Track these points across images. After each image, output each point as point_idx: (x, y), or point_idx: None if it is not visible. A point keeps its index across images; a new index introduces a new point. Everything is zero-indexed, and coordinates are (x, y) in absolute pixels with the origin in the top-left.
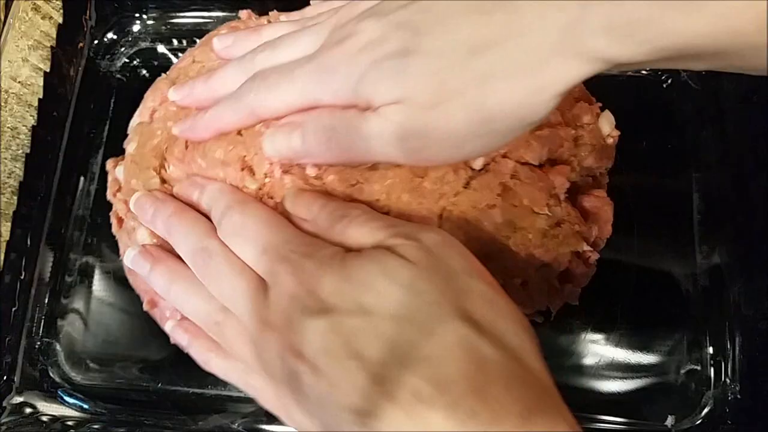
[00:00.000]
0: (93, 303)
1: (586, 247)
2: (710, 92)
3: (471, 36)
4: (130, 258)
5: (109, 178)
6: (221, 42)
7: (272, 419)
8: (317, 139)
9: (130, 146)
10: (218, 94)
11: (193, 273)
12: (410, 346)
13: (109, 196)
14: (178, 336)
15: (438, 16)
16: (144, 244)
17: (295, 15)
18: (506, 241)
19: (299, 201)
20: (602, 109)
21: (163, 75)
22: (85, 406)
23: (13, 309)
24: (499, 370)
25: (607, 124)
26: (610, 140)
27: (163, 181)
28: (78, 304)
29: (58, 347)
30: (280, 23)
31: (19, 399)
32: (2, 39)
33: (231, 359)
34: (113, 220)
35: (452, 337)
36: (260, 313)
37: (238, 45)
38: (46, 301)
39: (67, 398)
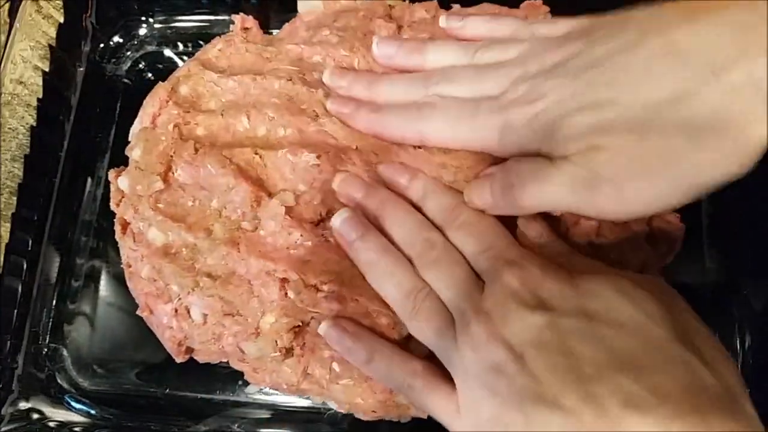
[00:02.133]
0: (100, 308)
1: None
2: None
3: (672, 89)
4: (340, 220)
5: (112, 188)
6: (382, 49)
7: (275, 422)
8: (503, 194)
9: (134, 153)
10: (378, 101)
11: (399, 252)
12: (630, 355)
13: (112, 206)
14: (337, 335)
15: (632, 74)
16: (354, 212)
17: (456, 24)
18: None
19: (529, 226)
20: None
21: (161, 82)
22: (92, 412)
23: (15, 312)
24: (719, 400)
25: None
26: None
27: (166, 181)
28: (85, 309)
29: (65, 352)
30: (446, 45)
31: (26, 405)
32: (9, 42)
33: (398, 358)
34: (117, 226)
35: (676, 356)
36: (473, 299)
37: (400, 57)
38: (53, 305)
39: (74, 404)
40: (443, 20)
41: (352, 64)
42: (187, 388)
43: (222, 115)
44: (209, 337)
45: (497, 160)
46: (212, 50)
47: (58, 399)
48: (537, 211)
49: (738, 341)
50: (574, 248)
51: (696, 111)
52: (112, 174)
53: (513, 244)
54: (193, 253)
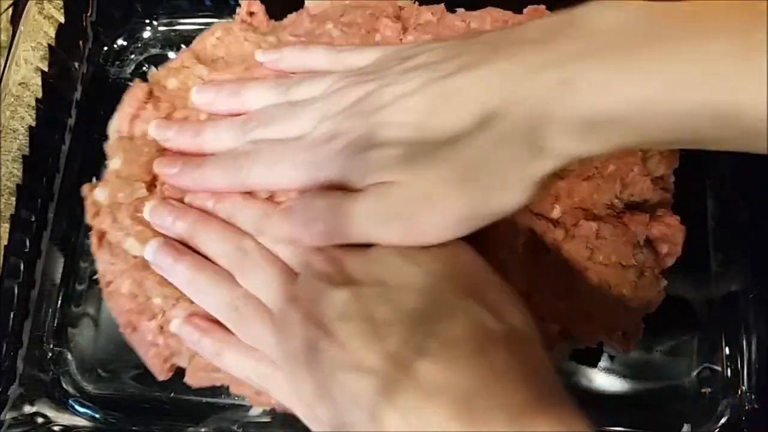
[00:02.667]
0: (104, 311)
1: (664, 283)
2: None
3: (450, 131)
4: (152, 251)
5: (87, 202)
6: (200, 96)
7: (276, 426)
8: (303, 226)
9: (113, 162)
10: (205, 149)
11: (216, 266)
12: (417, 311)
13: (87, 219)
14: (188, 330)
15: (415, 115)
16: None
17: (271, 59)
18: (604, 300)
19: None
20: None
21: (138, 80)
22: (97, 416)
23: (13, 314)
24: (503, 343)
25: None
26: None
27: (150, 191)
28: (89, 312)
29: (69, 356)
30: (262, 85)
31: (30, 408)
32: (14, 44)
33: (244, 349)
34: (93, 239)
35: (460, 306)
36: (288, 291)
37: (219, 103)
38: (57, 309)
39: (78, 408)
40: (260, 55)
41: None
42: (191, 391)
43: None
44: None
45: None
46: (210, 38)
47: (62, 403)
48: (336, 241)
49: (744, 343)
50: (568, 250)
51: (473, 150)
52: (85, 189)
53: None
54: None
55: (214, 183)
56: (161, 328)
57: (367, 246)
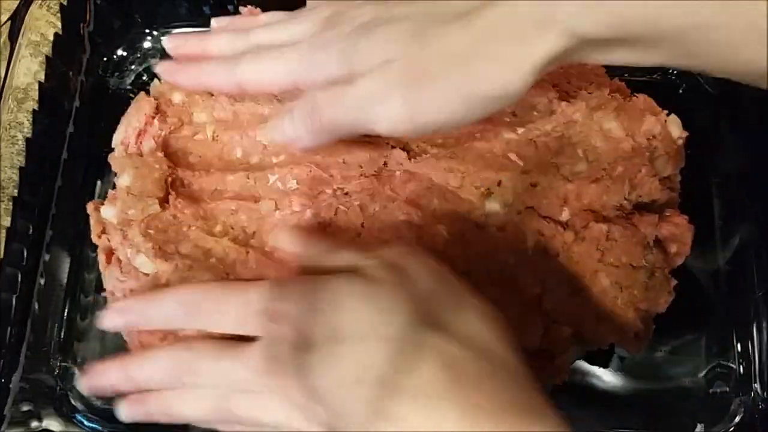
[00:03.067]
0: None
1: (674, 283)
2: (727, 97)
3: (456, 4)
4: (123, 415)
5: (92, 220)
6: (171, 42)
7: None
8: (303, 121)
9: (123, 179)
10: (208, 53)
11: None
12: (375, 367)
13: (94, 237)
14: (134, 409)
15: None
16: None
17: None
18: (615, 301)
19: (280, 235)
20: (667, 114)
21: (143, 93)
22: (105, 431)
23: (10, 329)
24: (470, 369)
25: (675, 128)
26: (680, 142)
27: (163, 207)
28: (95, 326)
29: (76, 371)
30: (274, 13)
31: (38, 425)
32: (13, 55)
33: (199, 390)
34: (101, 257)
35: (427, 347)
36: (254, 369)
37: (234, 24)
38: (63, 322)
39: (86, 422)
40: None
41: None
42: None
43: (214, 139)
44: None
45: (504, 165)
46: None
47: (69, 418)
48: (339, 133)
49: (756, 341)
50: (579, 252)
51: (478, 23)
52: (90, 206)
53: (254, 290)
54: (187, 280)
55: (211, 82)
56: None
57: (315, 287)
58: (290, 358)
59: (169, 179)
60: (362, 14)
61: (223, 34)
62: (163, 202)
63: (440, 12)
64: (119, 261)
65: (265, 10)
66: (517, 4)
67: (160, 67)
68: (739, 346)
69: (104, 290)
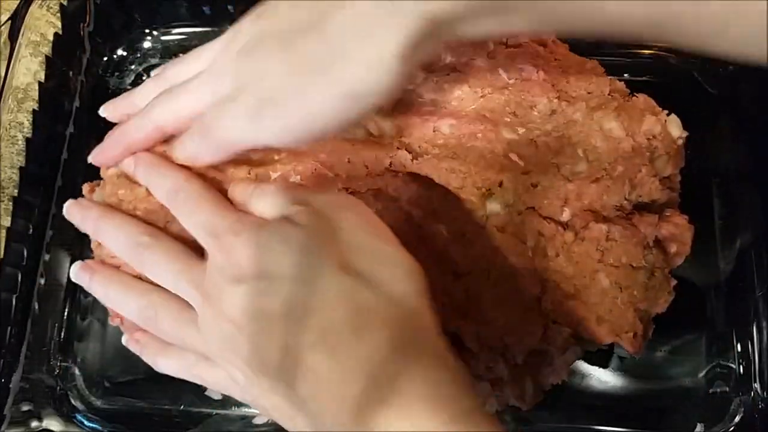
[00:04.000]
0: (110, 325)
1: (673, 283)
2: (727, 97)
3: (308, 14)
4: (73, 274)
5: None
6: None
7: None
8: (200, 139)
9: (110, 170)
10: (134, 108)
11: (128, 275)
12: (302, 302)
13: None
14: (133, 348)
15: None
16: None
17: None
18: (615, 301)
19: (236, 187)
20: (667, 115)
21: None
22: (105, 430)
23: (10, 328)
24: (377, 312)
25: (675, 128)
26: (680, 142)
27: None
28: (95, 325)
29: (76, 371)
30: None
31: (38, 424)
32: (13, 55)
33: (170, 349)
34: (94, 241)
35: (335, 288)
36: (195, 283)
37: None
38: (63, 322)
39: (86, 422)
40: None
41: None
42: (201, 403)
43: None
44: None
45: (505, 166)
46: None
47: (69, 417)
48: (236, 149)
49: (756, 341)
50: (579, 253)
51: (328, 29)
52: (86, 188)
53: (224, 213)
54: None
55: (131, 136)
56: None
57: (258, 228)
58: (220, 291)
59: None
60: (244, 33)
61: (145, 86)
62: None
63: (297, 23)
64: None
65: (243, 13)
66: (357, 3)
67: (90, 158)
68: (739, 346)
69: None
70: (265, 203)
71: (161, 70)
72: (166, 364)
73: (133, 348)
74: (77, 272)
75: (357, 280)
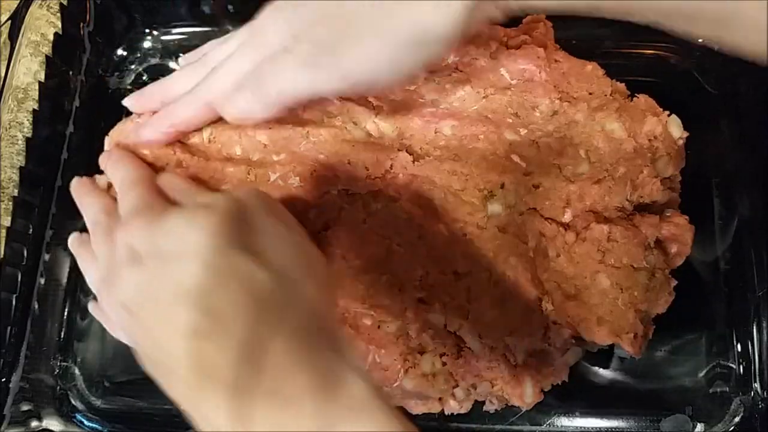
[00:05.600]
0: None
1: (674, 284)
2: (728, 96)
3: None
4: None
5: None
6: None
7: None
8: (253, 94)
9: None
10: (172, 93)
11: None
12: (194, 282)
13: None
14: (96, 314)
15: None
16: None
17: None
18: (616, 302)
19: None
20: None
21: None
22: (105, 430)
23: (10, 328)
24: (269, 293)
25: (676, 128)
26: (680, 142)
27: None
28: (95, 325)
29: (76, 371)
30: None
31: (38, 424)
32: (13, 55)
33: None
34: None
35: (229, 267)
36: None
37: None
38: (63, 322)
39: (86, 422)
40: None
41: None
42: None
43: (211, 141)
44: None
45: (507, 167)
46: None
47: (69, 417)
48: (290, 101)
49: (756, 341)
50: (580, 254)
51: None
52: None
53: (142, 192)
54: None
55: (179, 115)
56: None
57: (163, 210)
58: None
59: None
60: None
61: (181, 72)
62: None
63: None
64: None
65: (242, 13)
66: None
67: (133, 133)
68: (739, 345)
69: None
70: (178, 192)
71: (194, 56)
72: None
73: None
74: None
75: (255, 261)
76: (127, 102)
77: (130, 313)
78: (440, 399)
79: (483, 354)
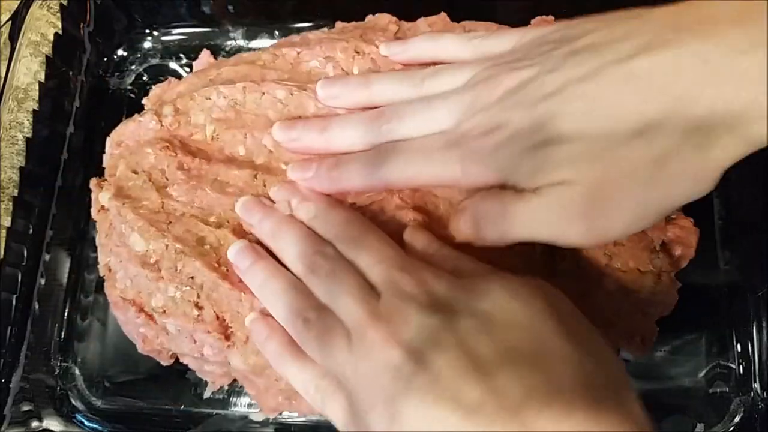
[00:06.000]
0: (111, 325)
1: (678, 286)
2: None
3: (635, 119)
4: (234, 251)
5: (93, 196)
6: (326, 90)
7: None
8: (476, 225)
9: (118, 170)
10: (334, 149)
11: (291, 274)
12: (525, 349)
13: (93, 214)
14: (258, 328)
15: (592, 104)
16: (248, 243)
17: (395, 51)
18: (622, 306)
19: (416, 236)
20: None
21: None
22: (105, 431)
23: (10, 329)
24: (608, 396)
25: None
26: None
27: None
28: (95, 325)
29: (77, 371)
30: (391, 77)
31: (39, 425)
32: (14, 55)
33: (307, 362)
34: (99, 233)
35: (567, 352)
36: (368, 307)
37: (345, 96)
38: (63, 322)
39: (86, 422)
40: (384, 48)
41: (350, 68)
42: (202, 403)
43: (213, 138)
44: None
45: None
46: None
47: (69, 418)
48: (508, 241)
49: (756, 341)
50: (586, 257)
51: (661, 141)
52: (93, 182)
53: (404, 255)
54: (174, 262)
55: (353, 183)
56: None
57: (462, 277)
58: (404, 308)
59: (166, 166)
60: (511, 121)
61: (345, 124)
62: (160, 189)
63: (612, 128)
64: (114, 235)
65: (243, 14)
66: (699, 119)
67: (292, 172)
68: (739, 346)
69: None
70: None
71: (355, 88)
72: (294, 368)
73: (258, 331)
74: (239, 252)
75: (584, 353)
76: (278, 136)
77: (414, 358)
78: None
79: None
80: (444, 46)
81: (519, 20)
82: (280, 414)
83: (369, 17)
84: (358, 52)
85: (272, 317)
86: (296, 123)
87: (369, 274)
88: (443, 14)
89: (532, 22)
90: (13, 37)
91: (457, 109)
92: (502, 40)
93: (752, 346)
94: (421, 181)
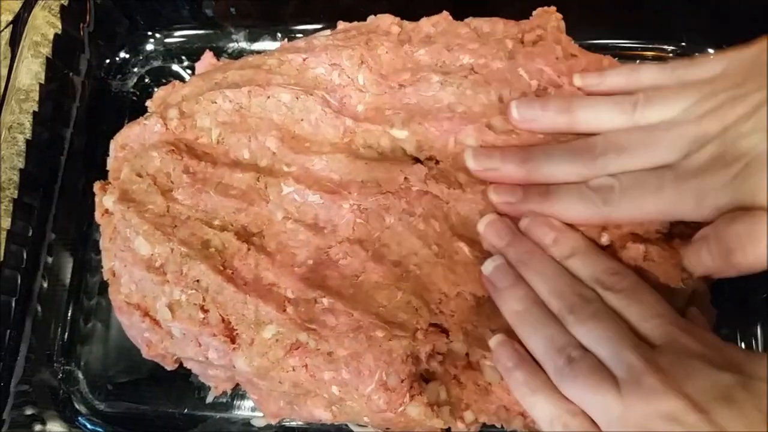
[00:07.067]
0: (114, 327)
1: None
2: None
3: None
4: (492, 267)
5: (97, 199)
6: (522, 112)
7: None
8: (720, 251)
9: (123, 174)
10: (539, 179)
11: (546, 307)
12: None
13: (97, 217)
14: (506, 353)
15: None
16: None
17: (592, 83)
18: None
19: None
20: None
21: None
22: None
23: (9, 332)
24: None
25: None
26: None
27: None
28: (98, 328)
29: (79, 374)
30: (598, 103)
31: (42, 428)
32: (16, 56)
33: (557, 396)
34: (103, 236)
35: None
36: (646, 355)
37: (546, 120)
38: (66, 325)
39: (89, 426)
40: (578, 79)
41: (356, 76)
42: (205, 407)
43: (219, 142)
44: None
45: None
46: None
47: (73, 421)
48: (757, 270)
49: (760, 343)
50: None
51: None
52: (97, 185)
53: (678, 315)
54: (180, 265)
55: (570, 215)
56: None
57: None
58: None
59: (172, 169)
60: (751, 138)
61: (553, 156)
62: (165, 192)
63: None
64: (119, 239)
65: (245, 15)
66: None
67: (496, 196)
68: (742, 346)
69: (105, 294)
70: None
71: (546, 125)
72: (544, 402)
73: (506, 357)
74: (497, 268)
75: None
76: (472, 165)
77: (698, 410)
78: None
79: None
80: (645, 78)
81: (520, 14)
82: (282, 421)
83: (371, 18)
84: (363, 62)
85: (519, 343)
86: (493, 152)
87: (641, 326)
88: (445, 13)
89: (534, 13)
90: (15, 40)
91: (683, 141)
92: (706, 66)
93: (756, 347)
94: (647, 217)
